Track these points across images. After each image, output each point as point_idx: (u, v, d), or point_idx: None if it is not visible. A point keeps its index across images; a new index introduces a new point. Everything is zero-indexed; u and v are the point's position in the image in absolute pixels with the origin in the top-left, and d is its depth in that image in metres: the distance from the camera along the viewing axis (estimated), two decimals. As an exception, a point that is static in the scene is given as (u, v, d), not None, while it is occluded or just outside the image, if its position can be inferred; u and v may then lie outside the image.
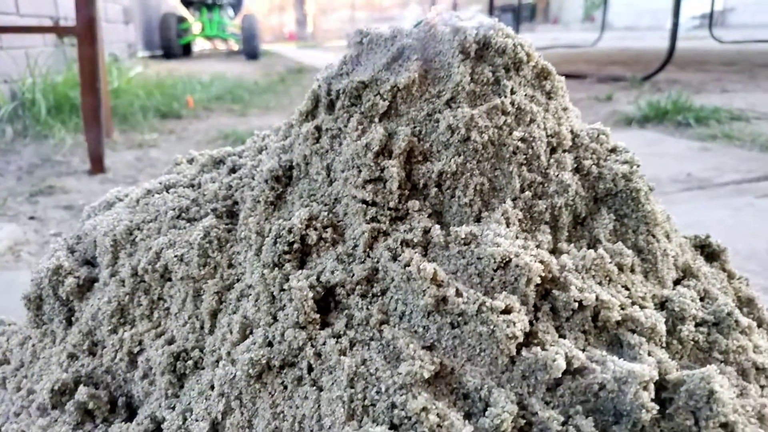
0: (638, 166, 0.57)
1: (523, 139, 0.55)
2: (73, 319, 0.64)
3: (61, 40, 3.28)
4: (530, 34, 11.25)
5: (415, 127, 0.56)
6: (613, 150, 0.59)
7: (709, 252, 0.65)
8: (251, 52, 7.32)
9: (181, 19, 7.48)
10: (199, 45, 9.06)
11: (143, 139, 2.44)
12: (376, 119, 0.57)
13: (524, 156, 0.55)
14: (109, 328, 0.60)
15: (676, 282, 0.58)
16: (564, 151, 0.58)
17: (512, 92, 0.57)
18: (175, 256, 0.58)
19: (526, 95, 0.57)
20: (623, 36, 10.53)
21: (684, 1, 3.75)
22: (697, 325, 0.53)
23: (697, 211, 1.39)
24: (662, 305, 0.53)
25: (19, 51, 2.85)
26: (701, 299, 0.56)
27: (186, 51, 7.51)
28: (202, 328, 0.56)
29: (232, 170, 0.68)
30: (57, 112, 2.59)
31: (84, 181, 1.84)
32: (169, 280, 0.59)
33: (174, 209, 0.63)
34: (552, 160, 0.56)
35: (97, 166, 1.91)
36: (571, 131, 0.59)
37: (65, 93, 2.66)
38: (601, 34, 7.71)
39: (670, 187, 1.62)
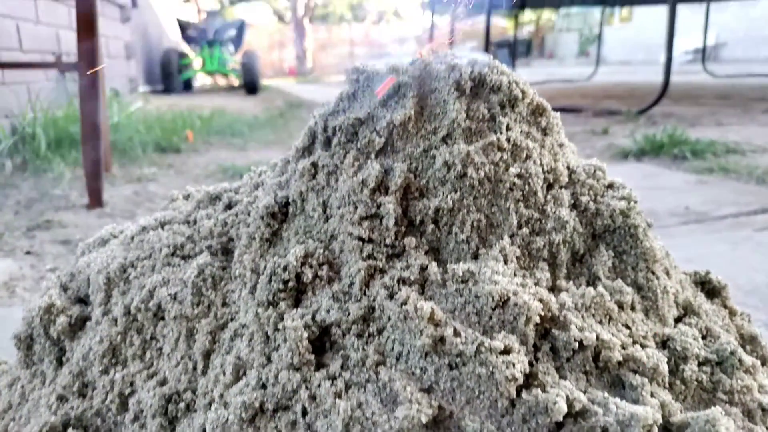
0: (636, 202, 0.57)
1: (519, 176, 0.55)
2: (63, 359, 0.63)
3: (63, 75, 3.32)
4: (526, 69, 11.43)
5: (411, 164, 0.56)
6: (610, 186, 0.59)
7: (710, 288, 0.64)
8: (251, 87, 7.41)
9: (183, 55, 7.59)
10: (200, 80, 9.17)
11: (142, 174, 2.45)
12: (373, 155, 0.57)
13: (521, 192, 0.55)
14: (100, 368, 0.59)
15: (677, 320, 0.57)
16: (561, 187, 0.57)
17: (508, 129, 0.57)
18: (169, 295, 0.57)
19: (521, 132, 0.57)
20: (618, 70, 10.69)
21: (677, 36, 3.82)
22: (700, 364, 0.52)
23: (697, 244, 1.38)
24: (664, 344, 0.52)
25: (21, 86, 2.88)
26: (703, 337, 0.55)
27: (187, 86, 7.60)
28: (194, 368, 0.55)
29: (228, 206, 0.68)
30: (57, 147, 2.61)
31: (82, 215, 1.84)
32: (162, 319, 0.58)
33: (169, 246, 0.62)
34: (549, 197, 0.56)
35: (95, 200, 1.91)
36: (568, 167, 0.59)
37: (65, 128, 2.68)
38: (596, 68, 7.84)
39: (668, 221, 1.62)
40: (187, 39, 7.99)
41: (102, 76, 1.98)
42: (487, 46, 4.29)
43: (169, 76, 7.06)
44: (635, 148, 2.62)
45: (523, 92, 0.58)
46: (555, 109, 0.62)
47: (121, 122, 3.16)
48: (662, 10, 5.18)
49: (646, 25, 15.21)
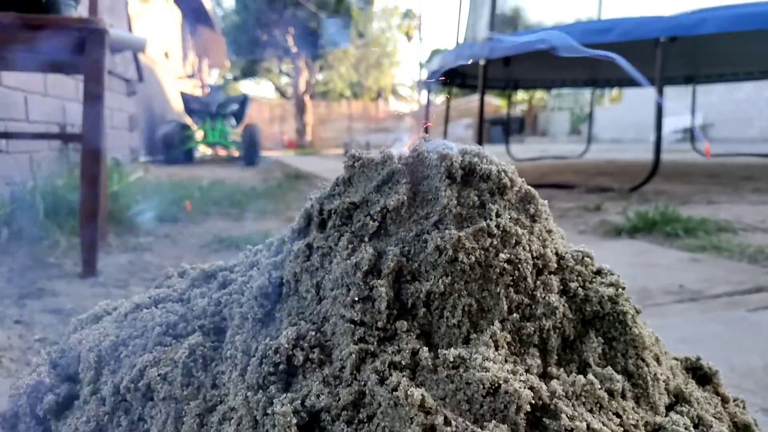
0: (623, 288, 0.58)
1: (509, 261, 0.56)
2: (47, 439, 0.62)
3: (66, 145, 3.39)
4: (519, 146, 11.72)
5: (404, 248, 0.57)
6: (599, 272, 0.60)
7: (701, 375, 0.64)
8: (251, 159, 7.56)
9: (185, 127, 7.79)
10: (201, 151, 9.35)
11: (138, 243, 2.45)
12: (366, 239, 0.58)
13: (511, 278, 0.56)
14: (84, 450, 0.57)
15: (669, 408, 0.57)
16: (550, 273, 0.58)
17: (497, 215, 0.58)
18: (159, 375, 0.57)
19: (510, 218, 0.59)
20: (609, 148, 10.98)
21: (665, 116, 3.95)
22: (693, 455, 0.51)
23: (691, 324, 1.38)
24: (656, 433, 0.52)
25: (23, 155, 2.93)
26: (695, 426, 0.55)
27: (188, 157, 7.75)
28: (181, 452, 0.54)
29: (223, 285, 0.68)
30: (55, 215, 2.62)
31: (75, 284, 1.83)
32: (152, 399, 0.58)
33: (161, 325, 0.63)
34: (538, 282, 0.57)
35: (89, 269, 1.90)
36: (556, 253, 0.60)
37: (65, 196, 2.71)
38: (588, 146, 8.05)
39: (662, 299, 1.62)
40: (191, 112, 8.22)
41: (104, 146, 2.03)
42: (482, 123, 4.42)
43: (170, 147, 7.22)
44: (628, 225, 2.65)
45: (511, 180, 0.60)
46: (548, 185, 0.64)
47: (120, 191, 3.20)
48: (651, 92, 5.39)
49: (636, 105, 15.75)
